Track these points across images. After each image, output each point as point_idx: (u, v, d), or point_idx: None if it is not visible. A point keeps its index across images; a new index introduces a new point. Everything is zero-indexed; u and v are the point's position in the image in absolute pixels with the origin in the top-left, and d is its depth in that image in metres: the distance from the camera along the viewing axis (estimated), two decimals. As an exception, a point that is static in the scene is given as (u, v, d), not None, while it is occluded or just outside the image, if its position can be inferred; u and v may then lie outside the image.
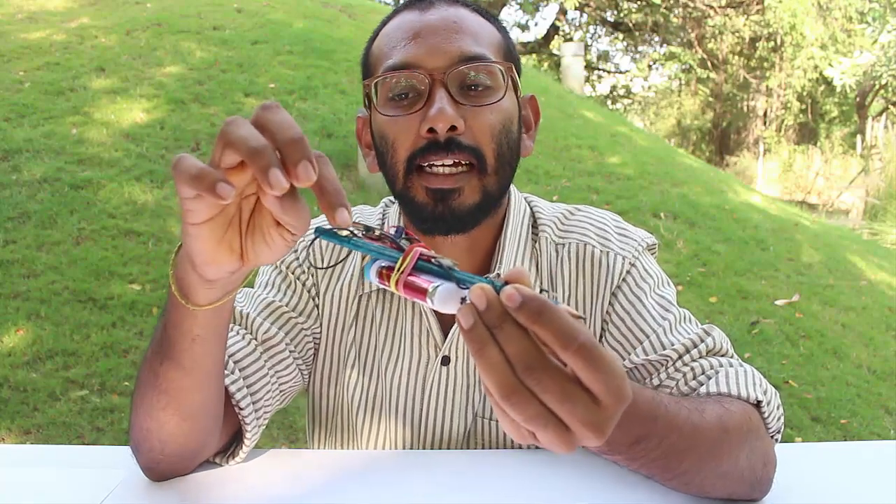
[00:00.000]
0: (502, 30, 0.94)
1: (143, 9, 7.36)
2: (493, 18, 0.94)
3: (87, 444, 2.68)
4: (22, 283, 3.61)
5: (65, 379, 3.02)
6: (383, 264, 0.55)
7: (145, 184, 4.56)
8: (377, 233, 0.57)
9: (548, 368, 0.46)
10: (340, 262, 0.98)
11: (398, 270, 0.53)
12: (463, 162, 0.85)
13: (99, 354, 3.19)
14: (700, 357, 0.85)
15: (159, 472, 0.82)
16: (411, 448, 0.97)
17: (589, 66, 17.81)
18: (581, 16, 18.09)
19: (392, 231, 0.57)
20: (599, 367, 0.45)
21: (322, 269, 0.95)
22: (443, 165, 0.85)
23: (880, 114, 16.40)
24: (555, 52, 16.40)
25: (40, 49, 6.19)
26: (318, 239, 0.59)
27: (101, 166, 4.67)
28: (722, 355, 0.86)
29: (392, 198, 1.05)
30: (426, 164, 0.85)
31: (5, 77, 5.67)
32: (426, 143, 0.85)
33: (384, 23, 0.95)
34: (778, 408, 0.81)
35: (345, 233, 0.56)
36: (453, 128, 0.84)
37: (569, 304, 0.95)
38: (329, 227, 0.56)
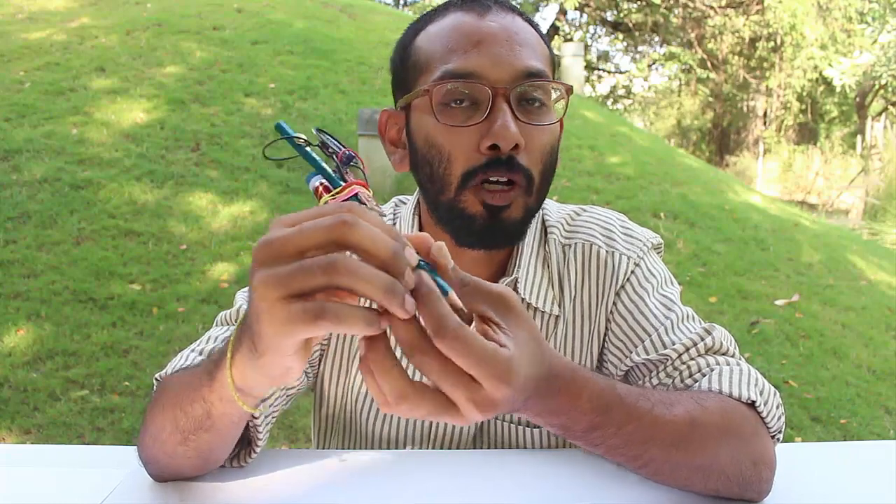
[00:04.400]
0: (546, 40, 0.93)
1: (143, 9, 7.37)
2: (538, 28, 0.93)
3: (87, 444, 2.68)
4: (22, 283, 3.61)
5: (65, 379, 3.02)
6: (324, 181, 0.57)
7: (145, 184, 4.56)
8: (331, 150, 0.59)
9: (429, 352, 0.50)
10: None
11: (332, 195, 0.56)
12: (515, 181, 0.85)
13: (99, 354, 3.19)
14: (698, 356, 0.85)
15: (165, 479, 0.83)
16: (419, 448, 0.97)
17: (589, 66, 17.81)
18: (581, 16, 18.10)
19: (347, 153, 0.58)
20: (471, 355, 0.50)
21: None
22: (497, 181, 0.84)
23: (880, 114, 16.40)
24: (555, 52, 16.38)
25: (40, 49, 6.19)
26: (278, 136, 0.59)
27: (101, 166, 4.67)
28: (722, 354, 0.86)
29: (403, 197, 1.04)
30: (484, 180, 0.84)
31: (5, 77, 5.67)
32: (487, 160, 0.83)
33: (429, 19, 0.91)
34: (777, 407, 0.81)
35: (303, 141, 0.58)
36: (516, 146, 0.82)
37: (575, 304, 0.96)
38: (290, 132, 0.58)
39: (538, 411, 0.61)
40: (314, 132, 0.60)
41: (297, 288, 0.48)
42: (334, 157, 0.58)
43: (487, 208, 0.85)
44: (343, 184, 0.56)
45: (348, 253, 0.48)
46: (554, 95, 0.88)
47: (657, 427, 0.70)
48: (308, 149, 0.57)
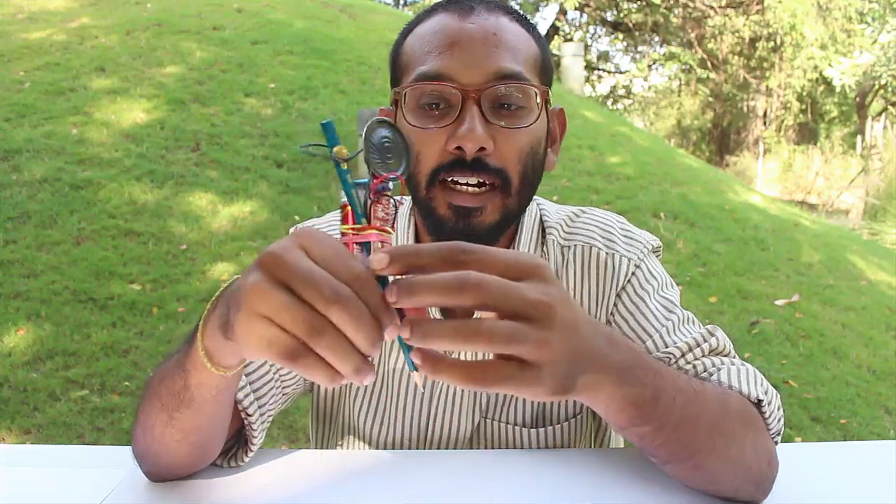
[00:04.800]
0: (539, 39, 0.92)
1: (143, 9, 7.37)
2: (532, 28, 0.92)
3: (87, 444, 2.68)
4: (22, 283, 3.61)
5: (65, 379, 3.02)
6: (345, 205, 0.55)
7: (145, 184, 4.56)
8: (372, 167, 0.56)
9: (476, 330, 0.51)
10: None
11: (349, 228, 0.55)
12: (487, 182, 0.85)
13: (99, 354, 3.19)
14: (703, 356, 0.85)
15: (161, 477, 0.83)
16: (416, 448, 0.97)
17: (589, 67, 17.81)
18: (581, 16, 18.10)
19: (383, 184, 0.56)
20: (498, 287, 0.51)
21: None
22: (467, 184, 0.84)
23: (880, 114, 16.40)
24: (555, 52, 16.41)
25: (40, 49, 6.19)
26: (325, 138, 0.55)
27: (101, 166, 4.67)
28: (724, 356, 0.86)
29: (400, 197, 1.04)
30: (450, 179, 0.85)
31: (5, 77, 5.67)
32: (452, 160, 0.84)
33: (418, 20, 0.92)
34: (778, 409, 0.81)
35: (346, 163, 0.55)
36: (482, 148, 0.83)
37: None
38: (335, 139, 0.54)
39: (614, 370, 0.60)
40: (372, 126, 0.56)
41: (280, 321, 0.50)
42: (372, 177, 0.56)
43: (455, 210, 0.85)
44: (364, 223, 0.55)
45: None
46: (537, 97, 0.87)
47: (699, 403, 0.70)
48: (345, 165, 0.55)
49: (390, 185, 0.56)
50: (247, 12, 7.44)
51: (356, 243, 0.55)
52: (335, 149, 0.53)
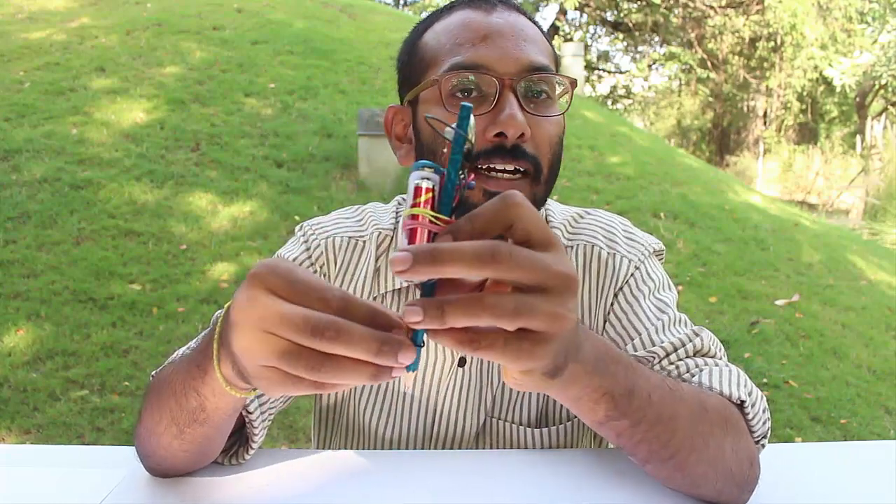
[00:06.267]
0: (549, 39, 0.96)
1: (143, 9, 7.37)
2: (542, 29, 0.95)
3: (87, 444, 2.68)
4: (22, 283, 3.61)
5: (65, 379, 3.02)
6: (436, 195, 0.52)
7: (145, 184, 4.56)
8: (467, 167, 0.53)
9: (484, 297, 0.48)
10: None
11: (431, 217, 0.52)
12: (521, 169, 0.86)
13: (99, 354, 3.19)
14: (686, 356, 0.85)
15: (163, 474, 0.84)
16: (421, 448, 0.97)
17: (589, 66, 17.82)
18: (581, 16, 18.11)
19: (470, 182, 0.53)
20: (526, 259, 0.48)
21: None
22: (504, 171, 0.85)
23: (880, 114, 16.41)
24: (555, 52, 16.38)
25: (40, 49, 6.19)
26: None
27: (101, 166, 4.67)
28: (710, 357, 0.86)
29: (405, 195, 1.04)
30: (486, 167, 0.85)
31: (5, 77, 5.67)
32: (492, 147, 0.85)
33: (436, 17, 0.94)
34: (764, 411, 0.81)
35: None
36: (521, 135, 0.84)
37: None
38: (468, 126, 0.51)
39: (589, 361, 0.59)
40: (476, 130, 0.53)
41: (283, 367, 0.51)
42: (466, 174, 0.53)
43: (490, 196, 0.85)
44: (447, 217, 0.52)
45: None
46: (558, 90, 0.90)
47: (675, 402, 0.70)
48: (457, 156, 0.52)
49: (472, 184, 0.54)
50: (247, 12, 7.45)
51: (433, 232, 0.52)
52: (469, 140, 0.52)
